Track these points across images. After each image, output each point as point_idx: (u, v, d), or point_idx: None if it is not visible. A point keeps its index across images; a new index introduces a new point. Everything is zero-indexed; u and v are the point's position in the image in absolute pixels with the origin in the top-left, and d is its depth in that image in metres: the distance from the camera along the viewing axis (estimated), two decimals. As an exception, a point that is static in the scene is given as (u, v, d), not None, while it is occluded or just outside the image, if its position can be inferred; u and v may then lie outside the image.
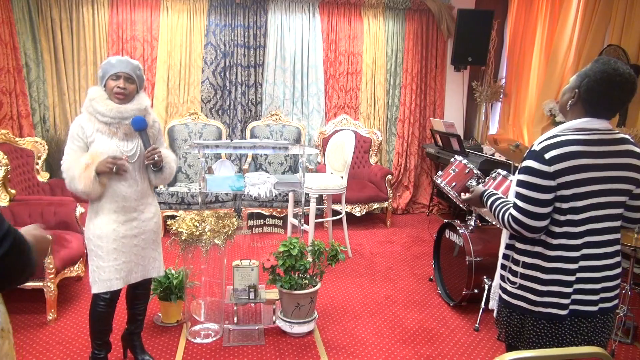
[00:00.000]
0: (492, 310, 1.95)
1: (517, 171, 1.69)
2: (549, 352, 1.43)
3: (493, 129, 5.85)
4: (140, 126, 2.33)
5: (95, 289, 2.36)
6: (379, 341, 3.02)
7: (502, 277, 1.80)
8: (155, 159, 2.36)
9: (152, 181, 2.50)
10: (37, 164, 4.15)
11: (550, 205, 1.59)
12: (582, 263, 1.62)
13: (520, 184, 1.63)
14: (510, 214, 1.65)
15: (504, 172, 2.48)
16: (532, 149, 1.62)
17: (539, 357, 1.39)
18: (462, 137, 5.25)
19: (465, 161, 3.12)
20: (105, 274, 2.33)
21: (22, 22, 4.71)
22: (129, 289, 2.57)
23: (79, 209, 3.50)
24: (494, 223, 3.35)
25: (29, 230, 1.21)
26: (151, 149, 2.35)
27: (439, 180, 3.20)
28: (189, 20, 5.18)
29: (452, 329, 3.18)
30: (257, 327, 3.09)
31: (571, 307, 1.63)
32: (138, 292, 2.59)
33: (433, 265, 3.76)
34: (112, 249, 2.34)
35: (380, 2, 5.57)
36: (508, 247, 1.77)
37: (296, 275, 2.99)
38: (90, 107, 2.29)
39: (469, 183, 3.04)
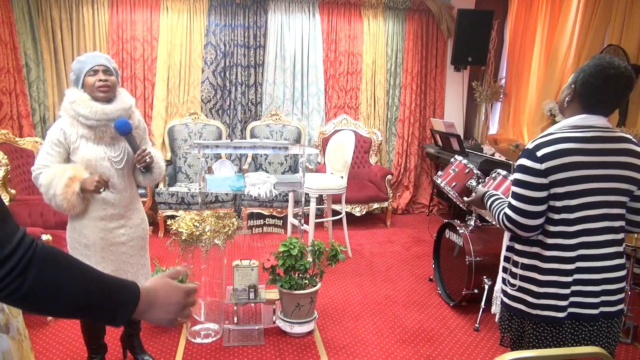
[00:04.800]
0: (493, 312, 1.95)
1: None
2: (549, 352, 1.43)
3: (493, 129, 5.84)
4: (125, 130, 2.18)
5: None
6: (379, 341, 3.02)
7: (503, 280, 1.80)
8: (147, 161, 2.26)
9: (140, 183, 2.40)
10: (37, 164, 4.15)
11: (543, 204, 1.58)
12: (579, 264, 1.59)
13: (514, 182, 1.63)
14: (504, 212, 1.65)
15: (504, 172, 2.47)
16: (526, 147, 1.62)
17: (539, 357, 1.38)
18: (462, 137, 5.25)
19: (465, 161, 3.12)
20: None
21: (22, 22, 4.71)
22: None
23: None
24: (494, 223, 3.35)
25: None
26: (141, 152, 2.23)
27: (439, 180, 3.20)
28: (189, 20, 5.18)
29: (452, 329, 3.18)
30: (257, 327, 3.09)
31: (569, 309, 1.60)
32: None
33: (433, 265, 3.76)
34: (100, 258, 2.26)
35: (380, 2, 5.57)
36: (508, 249, 1.77)
37: (296, 275, 2.99)
38: (72, 111, 2.15)
39: (469, 183, 3.03)
